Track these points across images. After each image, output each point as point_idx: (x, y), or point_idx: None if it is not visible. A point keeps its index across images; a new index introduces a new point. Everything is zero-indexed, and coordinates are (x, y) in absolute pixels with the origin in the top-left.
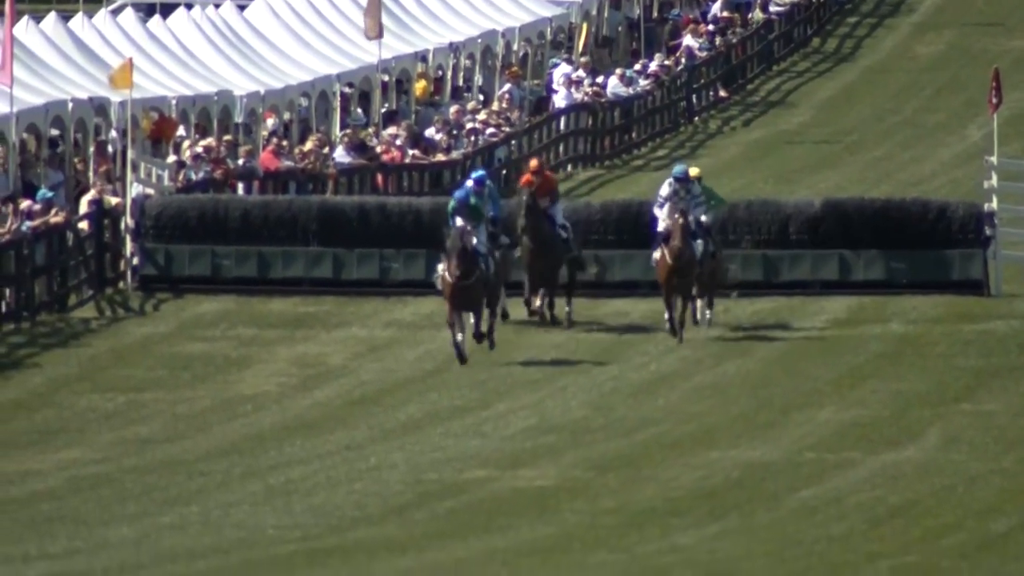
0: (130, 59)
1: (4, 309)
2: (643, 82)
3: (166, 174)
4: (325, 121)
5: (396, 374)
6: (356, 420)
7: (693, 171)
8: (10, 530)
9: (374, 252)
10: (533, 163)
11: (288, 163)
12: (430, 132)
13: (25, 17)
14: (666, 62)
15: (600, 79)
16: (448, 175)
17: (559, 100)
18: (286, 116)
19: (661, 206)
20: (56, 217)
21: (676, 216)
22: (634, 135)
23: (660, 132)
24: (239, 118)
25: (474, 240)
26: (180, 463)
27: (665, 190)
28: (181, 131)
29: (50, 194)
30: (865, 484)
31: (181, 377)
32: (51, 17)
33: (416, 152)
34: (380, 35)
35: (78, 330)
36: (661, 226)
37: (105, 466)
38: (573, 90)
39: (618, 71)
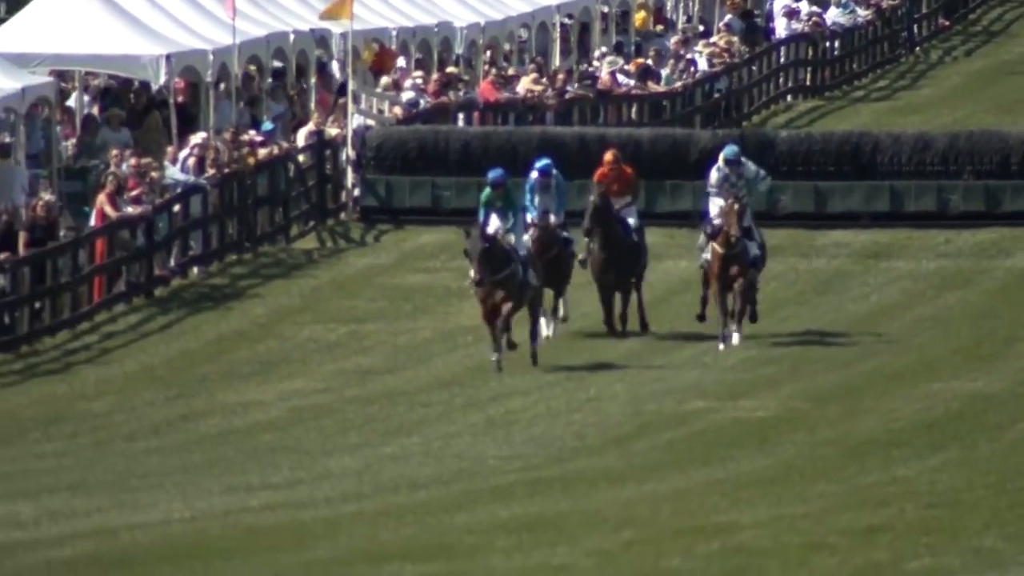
0: None
1: (227, 240)
2: (863, 12)
3: (387, 105)
4: (543, 52)
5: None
6: (576, 351)
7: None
8: (233, 460)
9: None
10: (608, 155)
11: (507, 94)
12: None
13: None
14: None
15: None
16: (668, 106)
17: (779, 31)
18: (506, 47)
19: (716, 195)
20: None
21: (730, 201)
22: (854, 66)
23: (881, 63)
24: (459, 49)
25: (512, 238)
26: (401, 394)
27: (715, 177)
28: (401, 63)
29: (272, 126)
30: None
31: (402, 308)
32: None
33: (636, 83)
34: None
35: (299, 261)
36: (714, 215)
37: (327, 396)
38: (793, 21)
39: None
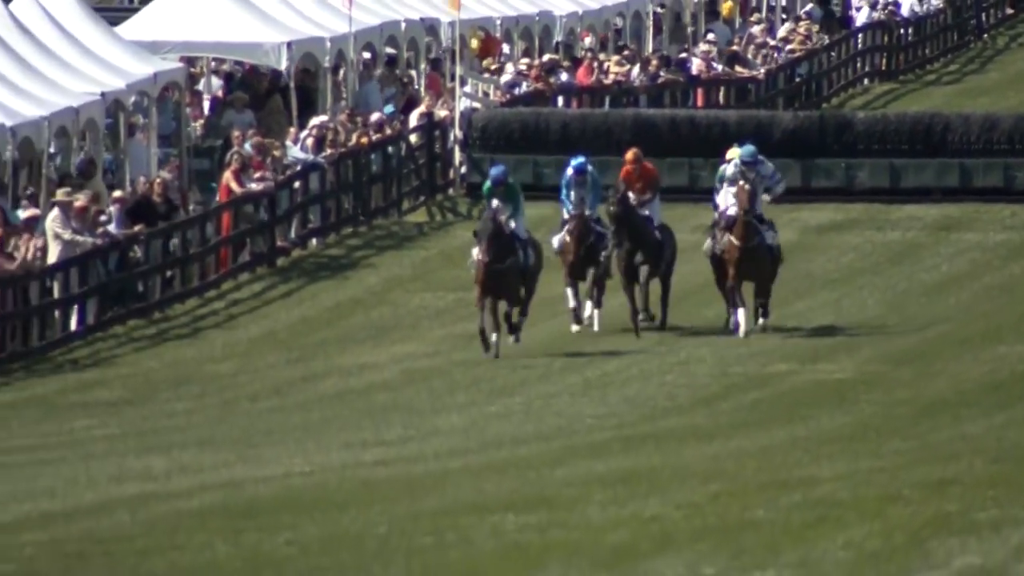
0: None
1: (343, 214)
2: (935, 1)
3: (491, 88)
4: (637, 39)
5: (703, 273)
6: (668, 318)
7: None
8: (349, 418)
9: (683, 161)
10: (630, 154)
11: (611, 78)
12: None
13: None
14: None
15: None
16: (753, 89)
17: (859, 19)
18: (602, 35)
19: (730, 186)
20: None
21: (740, 183)
22: (927, 51)
23: (951, 48)
24: (559, 37)
25: (512, 224)
26: (504, 357)
27: (729, 171)
28: (505, 49)
29: (393, 109)
30: None
31: None
32: None
33: (723, 68)
34: None
35: (411, 233)
36: (727, 208)
37: (436, 359)
38: (870, 10)
39: None
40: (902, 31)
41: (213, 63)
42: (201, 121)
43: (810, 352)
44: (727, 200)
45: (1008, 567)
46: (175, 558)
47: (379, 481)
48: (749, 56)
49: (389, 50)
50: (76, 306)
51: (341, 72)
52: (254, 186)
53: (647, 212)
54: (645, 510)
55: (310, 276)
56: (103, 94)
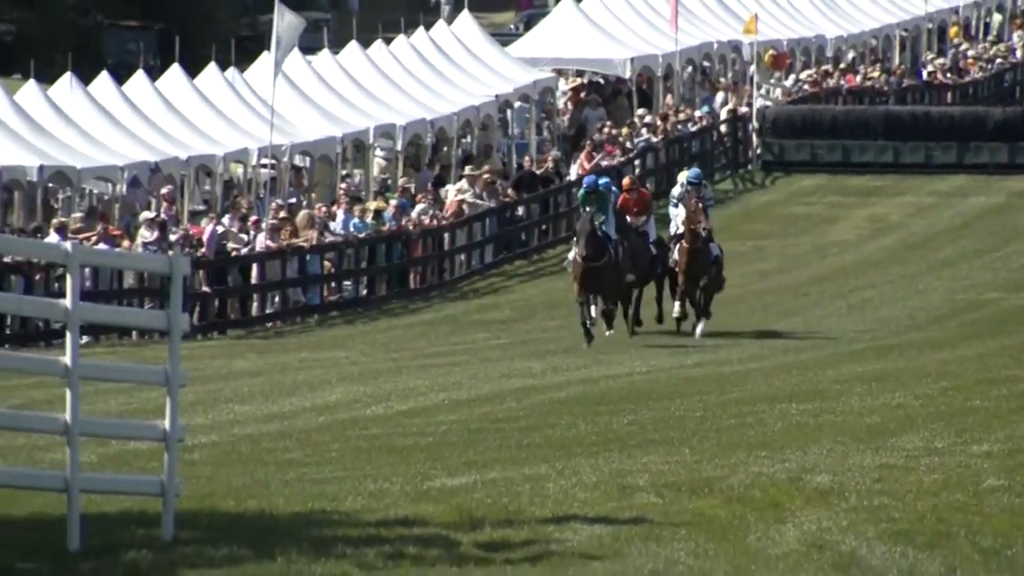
0: (755, 14)
1: (672, 183)
2: None
3: (779, 91)
4: (887, 54)
5: (936, 226)
6: (909, 258)
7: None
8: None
9: (921, 144)
10: (626, 181)
11: (867, 83)
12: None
13: None
14: None
15: None
16: (972, 92)
17: None
18: (861, 51)
19: (675, 206)
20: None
21: (693, 201)
22: None
23: None
24: (830, 52)
25: (604, 228)
26: (789, 288)
27: (677, 191)
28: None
29: (708, 108)
30: None
31: (789, 230)
32: None
33: (951, 76)
34: None
35: (720, 197)
36: (677, 225)
37: (737, 290)
38: None
39: None
40: None
41: (576, 73)
42: (567, 115)
43: (1014, 284)
44: (680, 215)
45: None
46: (548, 433)
47: (697, 378)
48: (970, 67)
49: (705, 63)
50: (477, 250)
51: (670, 80)
52: (604, 162)
53: (644, 230)
54: (892, 401)
55: None
56: (496, 96)
